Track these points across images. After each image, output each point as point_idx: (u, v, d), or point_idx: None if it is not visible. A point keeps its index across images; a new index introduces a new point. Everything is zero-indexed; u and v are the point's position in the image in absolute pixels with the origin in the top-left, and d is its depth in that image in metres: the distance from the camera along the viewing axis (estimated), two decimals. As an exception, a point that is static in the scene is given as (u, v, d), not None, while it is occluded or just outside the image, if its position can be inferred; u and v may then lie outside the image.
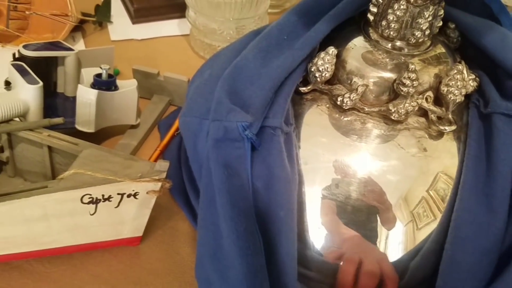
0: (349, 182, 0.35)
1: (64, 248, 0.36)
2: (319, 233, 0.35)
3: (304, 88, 0.37)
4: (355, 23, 0.39)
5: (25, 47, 0.46)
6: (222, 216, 0.30)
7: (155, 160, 0.45)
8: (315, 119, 0.37)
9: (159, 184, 0.34)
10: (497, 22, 0.38)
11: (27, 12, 0.57)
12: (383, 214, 0.35)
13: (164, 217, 0.41)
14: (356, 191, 0.35)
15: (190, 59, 0.62)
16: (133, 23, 0.67)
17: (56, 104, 0.49)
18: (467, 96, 0.37)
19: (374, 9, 0.35)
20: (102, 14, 0.65)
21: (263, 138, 0.33)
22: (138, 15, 0.67)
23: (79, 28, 0.64)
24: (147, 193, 0.34)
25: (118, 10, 0.69)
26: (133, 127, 0.49)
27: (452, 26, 0.39)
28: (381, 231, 0.35)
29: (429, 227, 0.35)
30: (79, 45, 0.63)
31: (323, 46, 0.37)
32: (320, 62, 0.35)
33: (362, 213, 0.35)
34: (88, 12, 0.65)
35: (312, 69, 0.36)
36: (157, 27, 0.66)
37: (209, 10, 0.57)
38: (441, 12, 0.34)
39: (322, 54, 0.35)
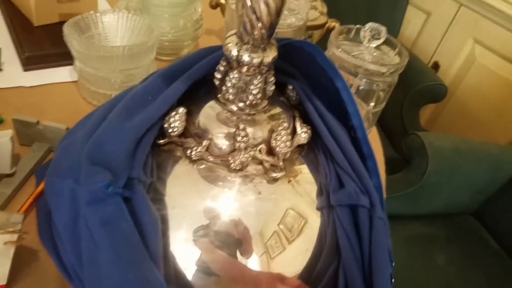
0: (210, 224, 0.40)
1: None
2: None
3: (161, 141, 0.42)
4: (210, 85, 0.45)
5: None
6: (109, 271, 0.32)
7: (27, 208, 0.46)
8: (173, 168, 0.42)
9: (16, 235, 0.36)
10: (333, 84, 0.46)
11: None
12: (242, 247, 0.40)
13: (32, 263, 0.43)
14: (219, 229, 0.40)
15: (78, 105, 0.65)
16: (24, 70, 0.69)
17: None
18: (303, 145, 0.44)
19: (218, 75, 0.42)
20: (-9, 61, 0.66)
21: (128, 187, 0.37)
22: (29, 62, 0.68)
23: (-35, 74, 0.64)
24: (4, 244, 0.36)
25: (10, 57, 0.70)
26: (9, 175, 0.50)
27: (290, 87, 0.46)
28: (243, 261, 0.40)
29: (280, 257, 0.41)
30: (-36, 92, 0.63)
31: (181, 102, 0.42)
32: (171, 120, 0.41)
33: (228, 247, 0.40)
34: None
35: (165, 125, 0.41)
36: (47, 74, 0.68)
37: (96, 63, 0.61)
38: (272, 79, 0.42)
39: (173, 113, 0.41)
